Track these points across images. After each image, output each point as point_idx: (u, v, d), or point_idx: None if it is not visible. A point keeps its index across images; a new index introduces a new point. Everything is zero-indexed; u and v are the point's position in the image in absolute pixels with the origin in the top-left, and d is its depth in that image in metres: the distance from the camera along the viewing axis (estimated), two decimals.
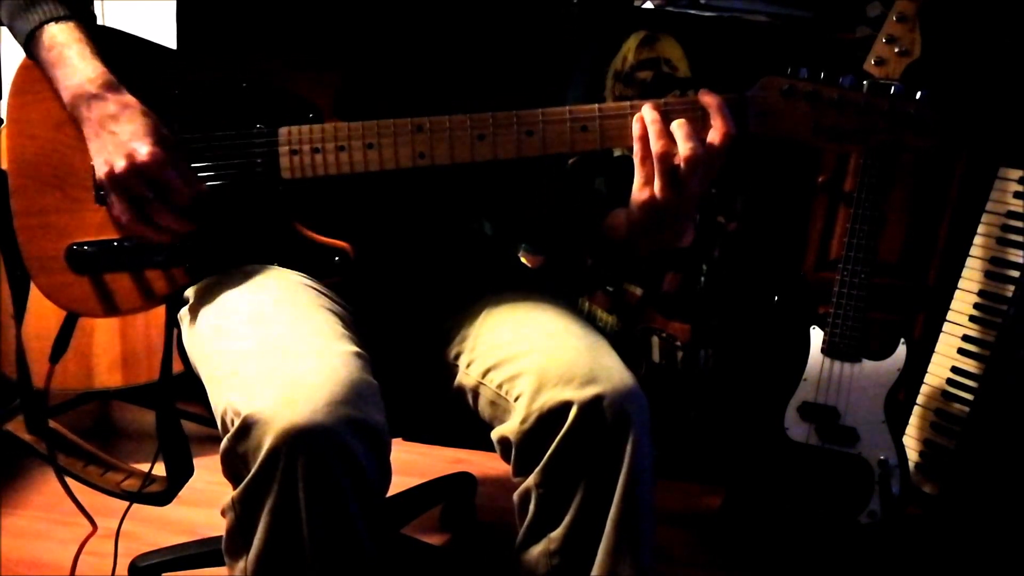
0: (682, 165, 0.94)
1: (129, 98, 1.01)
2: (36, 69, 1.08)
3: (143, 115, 1.01)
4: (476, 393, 1.07)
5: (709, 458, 1.97)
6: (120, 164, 0.99)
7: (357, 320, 1.08)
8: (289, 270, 1.10)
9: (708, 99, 0.96)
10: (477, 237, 1.34)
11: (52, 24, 1.03)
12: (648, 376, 1.98)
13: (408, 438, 2.00)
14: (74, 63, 1.02)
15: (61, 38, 1.03)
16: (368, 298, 1.15)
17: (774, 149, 1.84)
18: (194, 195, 1.02)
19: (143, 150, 0.98)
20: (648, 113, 0.96)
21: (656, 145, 0.95)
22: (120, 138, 0.99)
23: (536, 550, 1.01)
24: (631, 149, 0.97)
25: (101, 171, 1.01)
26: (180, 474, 1.33)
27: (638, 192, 0.97)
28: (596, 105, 0.99)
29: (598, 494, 0.97)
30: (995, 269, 1.71)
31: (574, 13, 1.85)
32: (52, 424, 1.37)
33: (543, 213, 1.21)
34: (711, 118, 0.95)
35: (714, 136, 0.95)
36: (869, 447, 1.60)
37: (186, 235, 1.04)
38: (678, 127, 0.95)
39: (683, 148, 0.94)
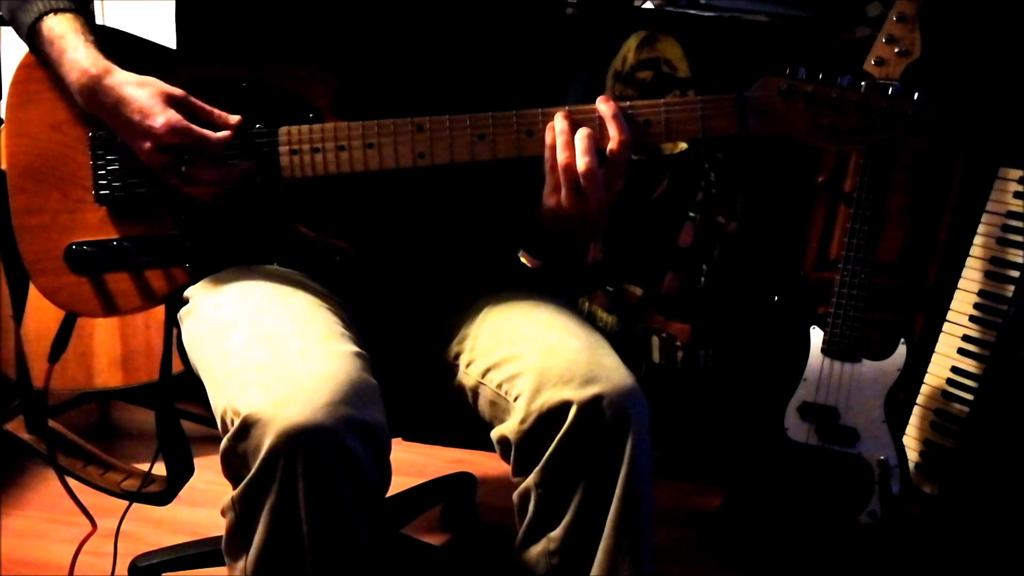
0: (580, 179, 0.96)
1: (123, 76, 1.02)
2: (35, 69, 1.08)
3: (140, 87, 1.01)
4: (476, 393, 1.07)
5: (709, 458, 1.97)
6: (145, 146, 1.01)
7: (357, 320, 1.08)
8: (289, 270, 1.10)
9: (603, 107, 0.97)
10: (477, 237, 1.34)
11: (50, 16, 1.04)
12: (648, 376, 1.98)
13: (408, 438, 2.00)
14: (69, 56, 1.02)
15: (58, 30, 1.04)
16: (368, 298, 1.15)
17: (774, 149, 1.84)
18: (225, 129, 1.02)
19: (157, 123, 0.99)
20: (558, 123, 0.98)
21: (561, 156, 0.96)
22: (134, 121, 1.00)
23: (536, 550, 1.01)
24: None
25: (139, 156, 1.03)
26: (180, 474, 1.33)
27: (546, 198, 1.00)
28: (595, 105, 0.99)
29: (598, 494, 0.97)
30: (995, 269, 1.71)
31: (574, 14, 1.85)
32: (52, 424, 1.37)
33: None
34: (606, 127, 0.96)
35: (612, 146, 0.96)
36: (869, 447, 1.59)
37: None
38: (579, 140, 0.96)
39: (580, 163, 0.95)
